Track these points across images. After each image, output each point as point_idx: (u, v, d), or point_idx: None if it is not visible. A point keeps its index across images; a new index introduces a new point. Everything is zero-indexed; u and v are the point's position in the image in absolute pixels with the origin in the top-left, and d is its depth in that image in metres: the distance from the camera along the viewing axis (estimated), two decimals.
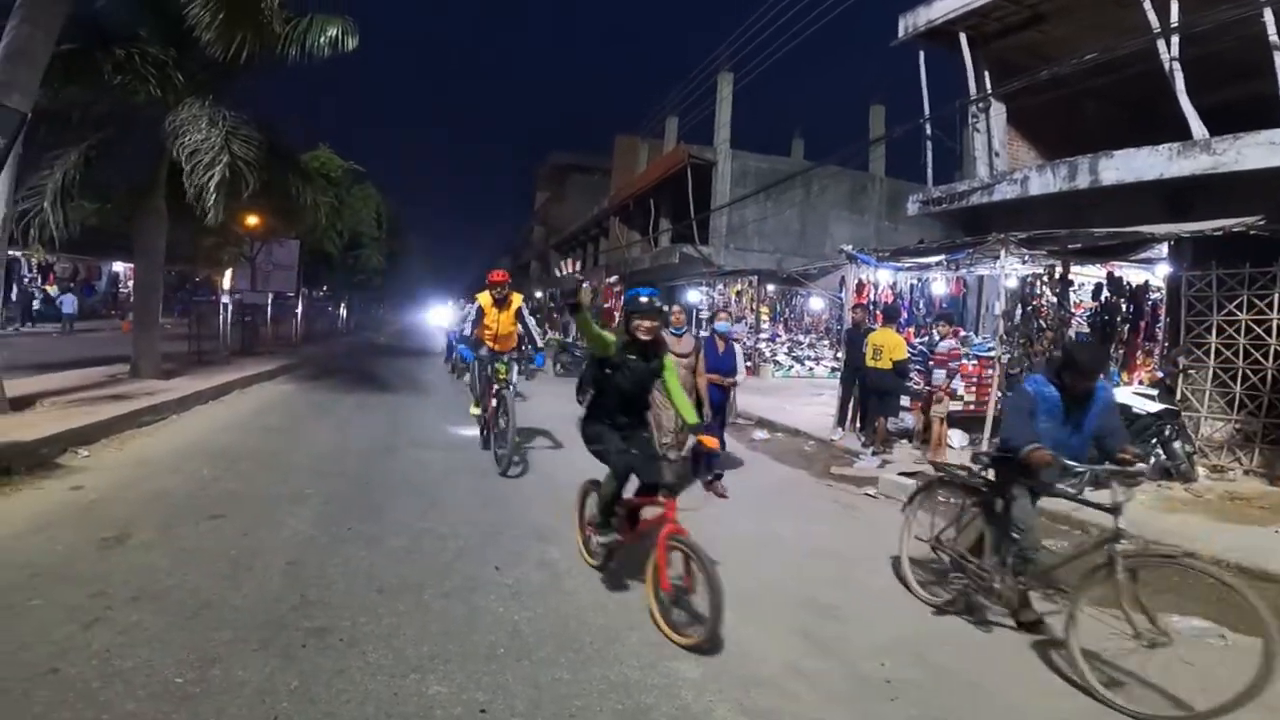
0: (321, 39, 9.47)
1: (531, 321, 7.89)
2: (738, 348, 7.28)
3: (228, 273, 18.13)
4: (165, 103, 9.23)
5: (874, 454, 8.29)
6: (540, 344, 8.15)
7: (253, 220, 14.91)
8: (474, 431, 8.25)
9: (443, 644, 3.24)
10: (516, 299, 7.74)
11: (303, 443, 7.72)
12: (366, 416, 9.93)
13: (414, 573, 4.09)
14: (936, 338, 8.56)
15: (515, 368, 7.29)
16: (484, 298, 7.66)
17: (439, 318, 40.85)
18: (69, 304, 23.31)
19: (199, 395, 9.62)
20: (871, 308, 11.38)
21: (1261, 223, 6.69)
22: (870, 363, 8.48)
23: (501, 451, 6.84)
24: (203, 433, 7.86)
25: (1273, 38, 7.34)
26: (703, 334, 9.23)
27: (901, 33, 11.64)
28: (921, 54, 11.77)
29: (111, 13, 9.45)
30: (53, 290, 25.86)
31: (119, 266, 29.58)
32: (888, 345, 8.35)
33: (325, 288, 32.70)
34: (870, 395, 8.82)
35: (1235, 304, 7.52)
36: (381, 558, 4.29)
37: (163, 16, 9.15)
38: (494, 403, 7.20)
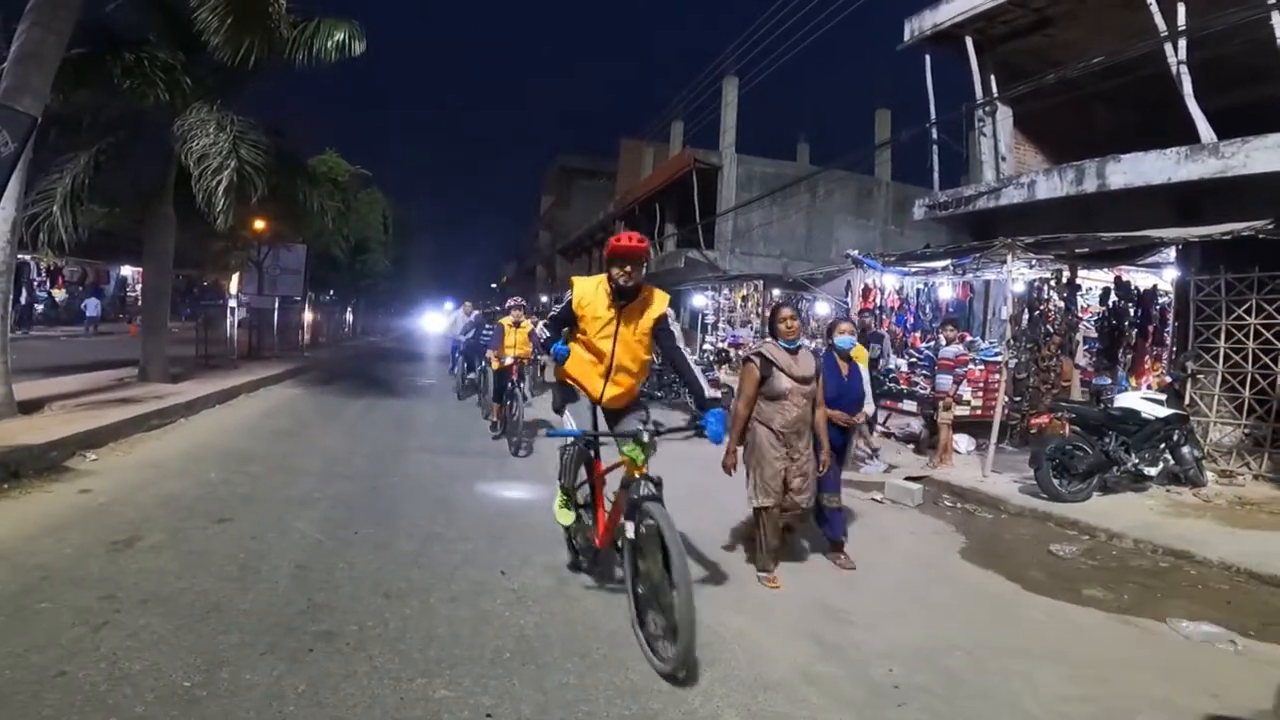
0: (329, 43, 9.54)
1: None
2: (864, 370, 5.48)
3: (235, 277, 18.21)
4: (173, 107, 9.28)
5: (870, 459, 8.30)
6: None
7: (260, 225, 14.98)
8: (479, 435, 9.05)
9: (449, 648, 3.23)
10: (528, 324, 8.90)
11: (310, 446, 7.74)
12: (374, 420, 9.97)
13: (421, 577, 4.09)
14: (943, 342, 8.54)
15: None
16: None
17: (434, 324, 40.41)
18: (93, 307, 23.83)
19: (206, 399, 9.66)
20: (878, 312, 11.38)
21: (1270, 226, 6.66)
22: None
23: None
24: (210, 436, 7.89)
25: None
26: (813, 347, 6.59)
27: (907, 36, 11.64)
28: (928, 58, 11.77)
29: (121, 17, 9.52)
30: (60, 294, 26.04)
31: (127, 270, 29.76)
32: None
33: (332, 292, 32.83)
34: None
35: (1244, 308, 7.48)
36: (389, 562, 4.30)
37: (172, 21, 9.24)
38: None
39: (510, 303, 9.64)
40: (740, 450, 4.45)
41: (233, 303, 16.31)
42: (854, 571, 4.79)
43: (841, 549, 4.95)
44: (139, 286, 22.76)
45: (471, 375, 12.62)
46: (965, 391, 8.81)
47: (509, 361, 8.63)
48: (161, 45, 9.43)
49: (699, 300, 22.25)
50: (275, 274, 20.07)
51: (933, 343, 9.51)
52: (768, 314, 10.78)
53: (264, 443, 7.75)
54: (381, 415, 10.51)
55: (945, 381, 8.19)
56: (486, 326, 11.41)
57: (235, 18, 8.08)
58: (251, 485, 5.90)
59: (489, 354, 9.19)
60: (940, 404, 8.26)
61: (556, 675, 3.07)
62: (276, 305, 19.01)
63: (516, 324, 8.98)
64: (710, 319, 21.56)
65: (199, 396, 9.51)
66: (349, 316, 33.65)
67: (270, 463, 6.78)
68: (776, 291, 19.36)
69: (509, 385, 8.56)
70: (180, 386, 10.12)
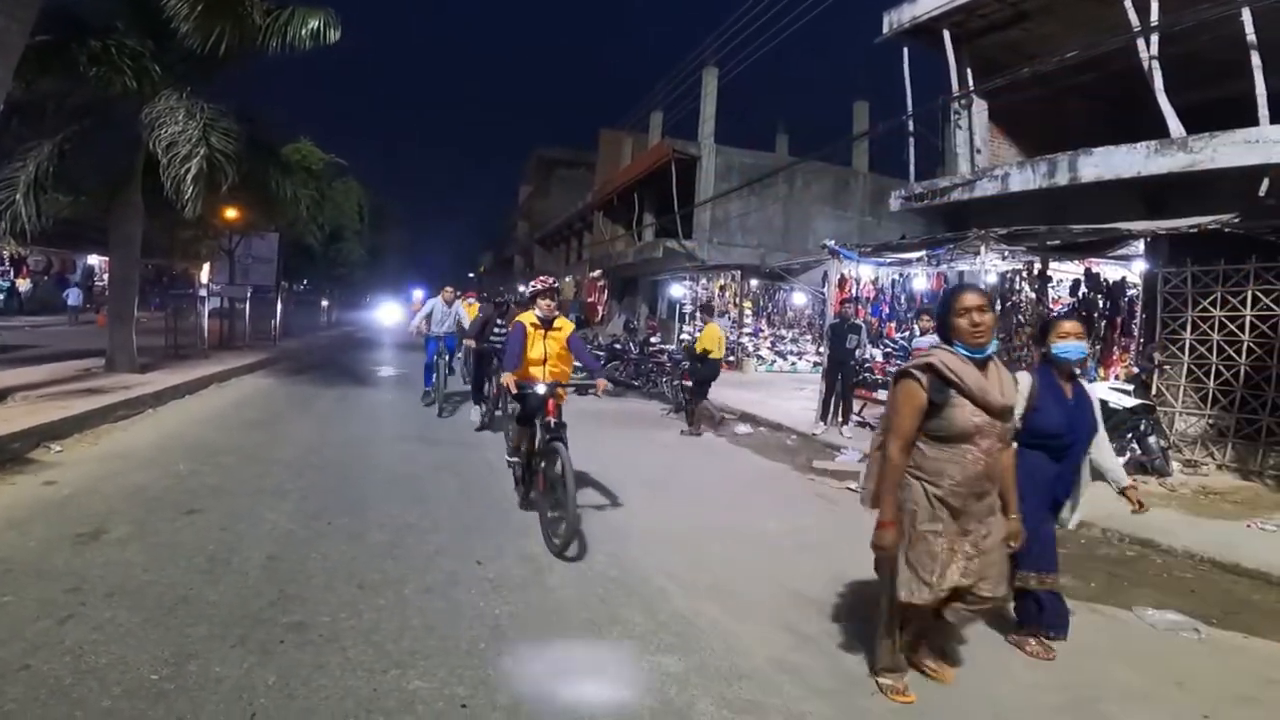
0: (303, 31, 9.35)
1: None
2: (1094, 392, 3.73)
3: (206, 266, 17.89)
4: (142, 94, 9.05)
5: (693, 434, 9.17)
6: None
7: (231, 213, 14.72)
8: (454, 416, 8.48)
9: (424, 639, 3.22)
10: (567, 325, 5.56)
11: (283, 437, 7.63)
12: (348, 410, 9.87)
13: (395, 568, 4.06)
14: (918, 332, 8.60)
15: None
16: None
17: (391, 316, 35.41)
18: (74, 296, 23.66)
19: (176, 390, 9.50)
20: (854, 302, 11.48)
21: (1236, 220, 6.78)
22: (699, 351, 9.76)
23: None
24: (180, 427, 7.75)
25: (1250, 37, 7.43)
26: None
27: (886, 29, 11.67)
28: (906, 51, 11.82)
29: (88, 4, 9.28)
30: (24, 284, 25.46)
31: (94, 259, 29.12)
32: (703, 338, 9.82)
33: (306, 281, 32.39)
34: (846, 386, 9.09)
35: (1209, 300, 7.63)
36: (362, 553, 4.26)
37: (140, 7, 8.97)
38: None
39: (536, 285, 5.50)
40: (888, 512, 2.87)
41: (202, 292, 16.03)
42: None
43: (1044, 635, 3.57)
44: (106, 276, 22.35)
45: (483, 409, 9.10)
46: None
47: (541, 390, 5.09)
48: (130, 32, 9.17)
49: (677, 290, 22.31)
50: (247, 263, 19.82)
51: (908, 333, 9.61)
52: (836, 302, 10.75)
53: (234, 433, 7.62)
54: (355, 404, 10.41)
55: None
56: (498, 324, 8.92)
57: (206, 4, 7.91)
58: (221, 476, 5.81)
59: (505, 377, 5.21)
60: None
61: (531, 666, 3.06)
62: (249, 295, 18.74)
63: (547, 325, 5.34)
64: (688, 309, 21.63)
65: (167, 387, 9.34)
66: (324, 304, 33.19)
67: (241, 453, 6.68)
68: (754, 281, 19.50)
69: (543, 427, 5.04)
70: (148, 377, 9.93)
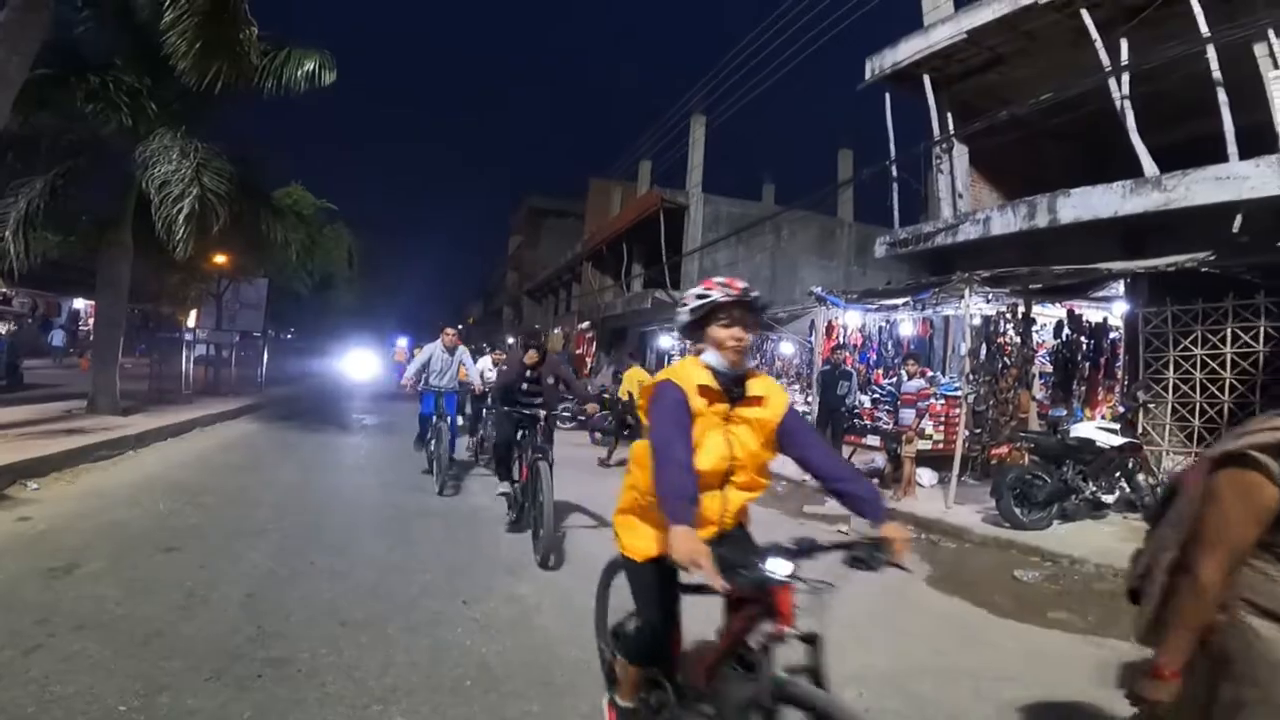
0: (299, 73, 9.51)
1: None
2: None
3: (193, 312, 17.85)
4: (136, 132, 9.14)
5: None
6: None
7: (221, 258, 14.75)
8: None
9: (407, 676, 3.12)
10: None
11: (265, 480, 7.51)
12: (332, 455, 9.75)
13: (378, 606, 3.96)
14: (905, 377, 8.65)
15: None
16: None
17: (361, 366, 29.80)
18: (58, 338, 24.04)
19: (159, 432, 9.36)
20: (843, 349, 11.54)
21: (1211, 258, 6.93)
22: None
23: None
24: (161, 468, 7.61)
25: (1216, 75, 7.69)
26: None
27: (868, 75, 12.02)
28: (888, 97, 12.16)
29: (88, 39, 9.40)
30: (4, 327, 25.35)
31: (80, 303, 29.02)
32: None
33: (293, 329, 32.25)
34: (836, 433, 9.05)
35: (1190, 339, 7.74)
36: (344, 591, 4.16)
37: (140, 44, 9.10)
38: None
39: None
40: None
41: (188, 336, 15.95)
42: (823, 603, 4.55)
43: None
44: (91, 320, 22.27)
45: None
46: (928, 425, 8.93)
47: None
48: (128, 69, 9.30)
49: (665, 340, 22.36)
50: (235, 309, 19.75)
51: (895, 378, 9.67)
52: (825, 349, 10.77)
53: (216, 475, 7.49)
54: (340, 450, 10.28)
55: (908, 416, 8.30)
56: (528, 376, 6.37)
57: (204, 42, 8.03)
58: (202, 516, 5.69)
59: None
60: (903, 438, 8.35)
61: (519, 703, 2.97)
62: (236, 340, 18.64)
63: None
64: (677, 360, 21.64)
65: (150, 429, 9.20)
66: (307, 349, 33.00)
67: (222, 494, 6.56)
68: None
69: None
70: (131, 419, 9.79)
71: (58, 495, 5.97)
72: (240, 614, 3.67)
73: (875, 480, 9.08)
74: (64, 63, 8.76)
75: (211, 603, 3.79)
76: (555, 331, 32.77)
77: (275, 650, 3.26)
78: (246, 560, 4.58)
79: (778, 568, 2.03)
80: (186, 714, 2.65)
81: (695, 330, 2.27)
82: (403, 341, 28.46)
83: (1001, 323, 9.82)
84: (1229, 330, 7.38)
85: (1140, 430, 8.05)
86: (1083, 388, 9.81)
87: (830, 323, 12.11)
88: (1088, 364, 9.82)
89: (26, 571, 4.02)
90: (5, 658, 2.96)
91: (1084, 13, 8.74)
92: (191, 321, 17.73)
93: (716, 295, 2.21)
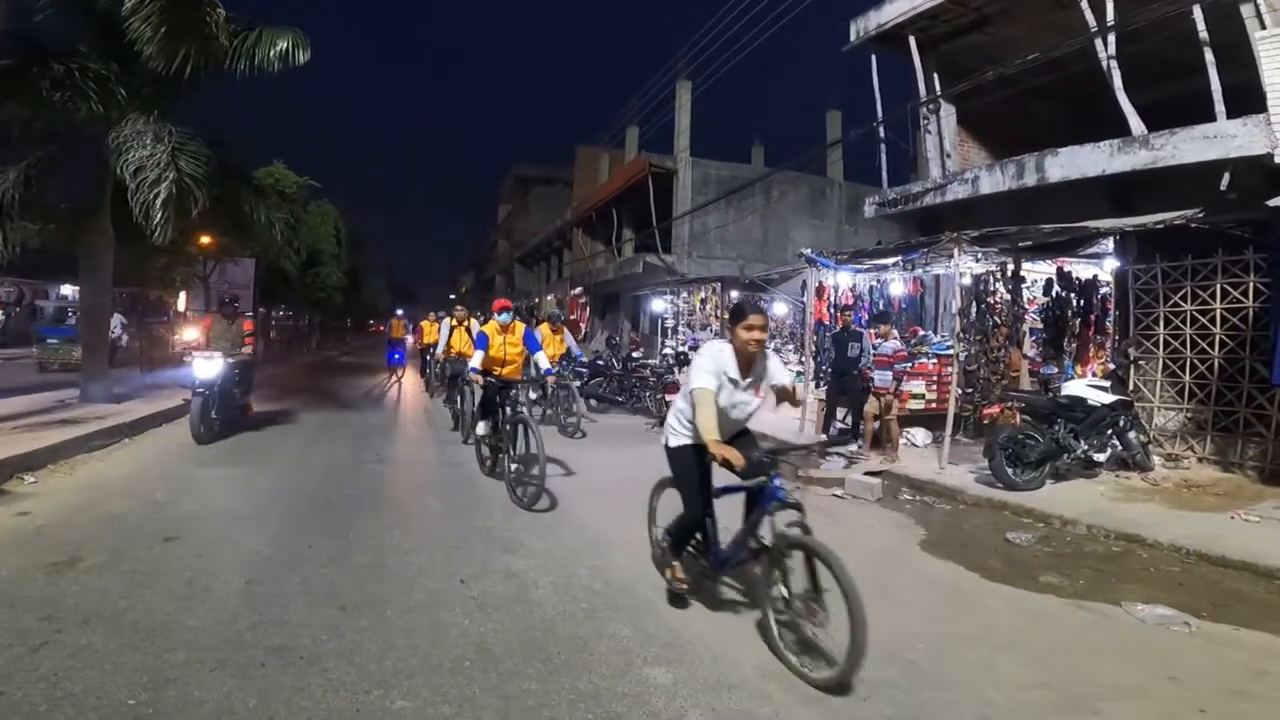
0: (271, 53, 9.25)
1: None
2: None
3: (182, 294, 17.71)
4: (108, 119, 8.92)
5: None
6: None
7: (205, 239, 14.59)
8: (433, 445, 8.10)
9: (407, 659, 3.17)
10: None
11: (262, 462, 7.53)
12: (328, 434, 9.75)
13: (377, 589, 4.00)
14: (878, 340, 8.52)
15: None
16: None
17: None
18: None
19: (152, 418, 9.35)
20: (832, 310, 11.51)
21: (1200, 215, 6.91)
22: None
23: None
24: (156, 456, 7.63)
25: (1202, 34, 7.60)
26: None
27: (853, 37, 11.84)
28: (874, 58, 12.00)
29: (50, 27, 9.13)
30: None
31: (67, 290, 28.72)
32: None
33: (284, 307, 32.08)
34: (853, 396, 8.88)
35: (1180, 295, 7.76)
36: (343, 575, 4.20)
37: (104, 31, 8.84)
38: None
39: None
40: None
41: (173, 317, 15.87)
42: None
43: None
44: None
45: None
46: (914, 385, 8.91)
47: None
48: (93, 56, 9.04)
49: (658, 305, 22.31)
50: (223, 289, 19.60)
51: (877, 342, 9.56)
52: (817, 311, 10.59)
53: (212, 460, 7.52)
54: (336, 428, 10.29)
55: (885, 377, 8.22)
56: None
57: (169, 27, 7.83)
58: (199, 503, 5.72)
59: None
60: (881, 399, 8.32)
61: (518, 682, 3.03)
62: None
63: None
64: (669, 323, 21.65)
65: (143, 416, 9.20)
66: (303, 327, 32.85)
67: (219, 480, 6.59)
68: (735, 293, 19.54)
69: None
70: (124, 406, 9.77)
71: (55, 488, 5.99)
72: (241, 602, 3.71)
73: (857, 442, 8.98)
74: (25, 52, 8.50)
75: (212, 592, 3.83)
76: (549, 298, 32.64)
77: (277, 638, 3.31)
78: (245, 547, 4.62)
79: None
80: (193, 705, 2.69)
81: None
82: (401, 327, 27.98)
83: (991, 281, 9.82)
84: (1219, 286, 7.40)
85: (1131, 387, 8.11)
86: (1073, 345, 9.84)
87: (820, 284, 12.08)
88: (1078, 320, 9.84)
89: (29, 567, 4.06)
90: (14, 655, 3.00)
91: None
92: (181, 304, 17.61)
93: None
